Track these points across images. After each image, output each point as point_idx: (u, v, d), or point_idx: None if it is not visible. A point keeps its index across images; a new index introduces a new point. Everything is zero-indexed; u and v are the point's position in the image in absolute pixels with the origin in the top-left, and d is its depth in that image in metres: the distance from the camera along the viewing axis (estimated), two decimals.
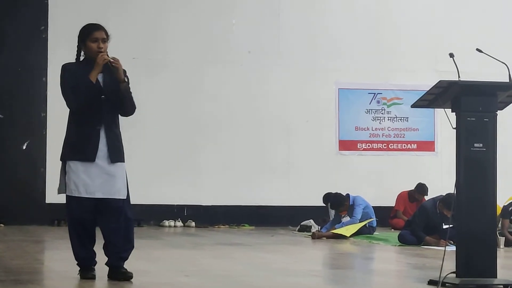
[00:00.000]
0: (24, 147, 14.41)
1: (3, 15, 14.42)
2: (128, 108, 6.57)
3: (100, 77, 6.48)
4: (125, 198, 6.49)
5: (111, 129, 6.50)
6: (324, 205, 13.98)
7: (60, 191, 6.58)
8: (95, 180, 6.39)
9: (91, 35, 6.48)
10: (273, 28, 15.38)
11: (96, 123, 6.44)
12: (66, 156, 6.50)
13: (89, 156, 6.39)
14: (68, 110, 6.63)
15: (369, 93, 15.76)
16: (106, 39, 6.51)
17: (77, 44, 6.57)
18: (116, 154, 6.47)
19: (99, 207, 6.44)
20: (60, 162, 6.59)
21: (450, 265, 6.54)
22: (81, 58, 6.59)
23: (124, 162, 6.54)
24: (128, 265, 6.57)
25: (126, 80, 6.48)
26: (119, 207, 6.44)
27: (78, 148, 6.42)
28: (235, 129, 15.15)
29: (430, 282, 6.62)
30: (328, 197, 13.66)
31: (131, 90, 6.57)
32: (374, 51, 15.69)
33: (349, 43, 15.60)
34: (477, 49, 7.07)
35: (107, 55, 6.45)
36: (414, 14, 15.87)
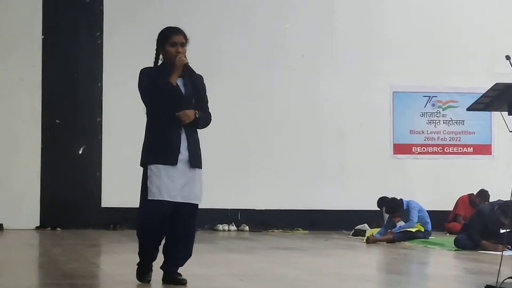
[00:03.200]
0: (80, 152, 14.56)
1: (59, 21, 14.60)
2: (205, 127, 6.62)
3: (180, 82, 6.48)
4: (200, 203, 6.49)
5: (191, 133, 6.48)
6: (378, 209, 13.89)
7: (150, 196, 6.34)
8: (176, 183, 6.35)
9: (170, 39, 6.49)
10: (326, 31, 15.34)
11: (177, 127, 6.41)
12: (148, 160, 6.42)
13: (171, 159, 6.35)
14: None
15: (424, 96, 15.63)
16: (185, 43, 6.52)
17: (155, 48, 6.56)
18: (196, 159, 6.45)
19: (174, 212, 6.41)
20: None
21: (507, 270, 6.45)
22: (159, 62, 6.55)
23: (201, 168, 6.52)
24: (183, 270, 6.59)
25: (197, 115, 6.43)
26: (191, 213, 6.44)
27: (160, 152, 6.36)
28: (289, 133, 15.13)
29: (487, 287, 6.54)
30: (383, 201, 13.56)
31: (207, 100, 6.58)
32: (429, 53, 15.56)
33: (404, 46, 15.49)
34: (506, 56, 6.78)
35: (186, 58, 6.42)
36: (470, 15, 15.70)
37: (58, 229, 14.13)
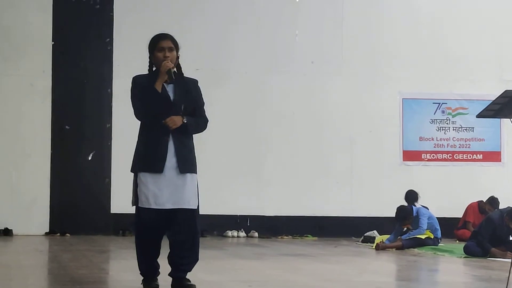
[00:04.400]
0: (89, 158, 14.59)
1: (69, 27, 14.65)
2: (198, 131, 6.60)
3: (170, 87, 6.50)
4: (195, 208, 6.48)
5: (180, 139, 6.48)
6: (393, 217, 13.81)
7: (133, 203, 6.56)
8: (164, 191, 6.38)
9: (157, 45, 6.52)
10: (336, 38, 15.34)
11: (164, 134, 6.43)
12: (136, 168, 6.49)
13: (156, 167, 6.39)
14: (133, 121, 6.67)
15: (433, 103, 15.62)
16: (173, 47, 6.53)
17: (148, 55, 6.61)
18: (185, 165, 6.45)
19: (170, 218, 6.44)
20: (129, 174, 6.59)
21: None
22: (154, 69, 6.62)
23: (195, 173, 6.52)
24: (191, 275, 6.59)
25: (185, 121, 6.44)
26: (188, 218, 6.43)
27: (147, 159, 6.42)
28: (298, 139, 15.13)
29: None
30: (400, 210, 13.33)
31: (204, 102, 6.57)
32: (438, 60, 15.55)
33: (413, 53, 15.49)
34: None
35: (171, 63, 6.45)
36: (479, 22, 15.69)
37: (68, 234, 14.16)
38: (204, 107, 6.67)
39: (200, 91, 6.65)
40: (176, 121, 6.40)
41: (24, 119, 14.46)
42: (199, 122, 6.58)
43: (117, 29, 14.72)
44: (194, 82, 6.66)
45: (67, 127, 14.60)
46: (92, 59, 14.71)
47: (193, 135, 6.63)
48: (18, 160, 14.37)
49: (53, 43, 14.59)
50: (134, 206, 6.49)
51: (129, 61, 14.16)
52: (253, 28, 15.17)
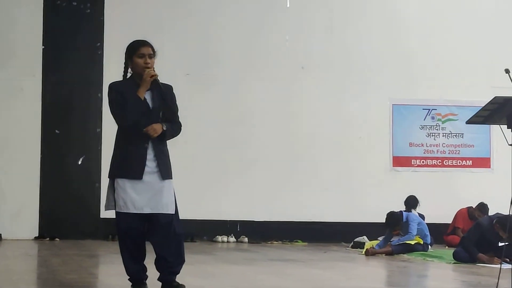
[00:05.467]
0: (79, 162, 14.57)
1: (60, 31, 14.62)
2: (174, 137, 6.63)
3: (147, 95, 6.51)
4: (173, 213, 6.51)
5: (158, 146, 6.52)
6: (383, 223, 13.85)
7: (107, 207, 6.62)
8: (142, 196, 6.42)
9: (138, 51, 6.53)
10: (326, 44, 15.36)
11: (144, 140, 6.47)
12: (114, 173, 6.53)
13: (136, 174, 6.43)
14: (118, 127, 6.67)
15: (423, 109, 15.65)
16: (152, 54, 6.55)
17: (124, 61, 6.62)
18: (164, 171, 6.49)
19: (149, 223, 6.46)
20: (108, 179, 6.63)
21: (506, 284, 6.44)
22: (128, 75, 6.62)
23: (171, 178, 6.57)
24: (181, 280, 6.59)
25: (164, 128, 6.47)
26: (168, 222, 6.46)
27: (126, 165, 6.45)
28: (287, 144, 15.14)
29: None
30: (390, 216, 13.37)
31: (177, 108, 6.59)
32: (428, 66, 15.59)
33: (403, 59, 15.53)
34: (506, 70, 6.83)
35: (154, 71, 6.48)
36: (469, 29, 15.73)
37: (57, 239, 14.12)
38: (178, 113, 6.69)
39: (175, 97, 6.65)
40: (156, 129, 6.45)
41: (14, 123, 14.42)
42: (175, 128, 6.63)
43: (108, 33, 14.71)
44: (169, 88, 6.67)
45: (57, 131, 14.58)
46: (83, 63, 14.69)
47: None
48: (8, 164, 14.33)
49: (43, 47, 14.57)
50: (116, 212, 6.52)
51: (119, 65, 13.98)
52: (244, 34, 15.18)
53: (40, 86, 14.50)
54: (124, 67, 6.63)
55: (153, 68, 6.52)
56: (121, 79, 6.65)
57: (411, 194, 13.51)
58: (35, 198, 14.34)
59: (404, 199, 13.74)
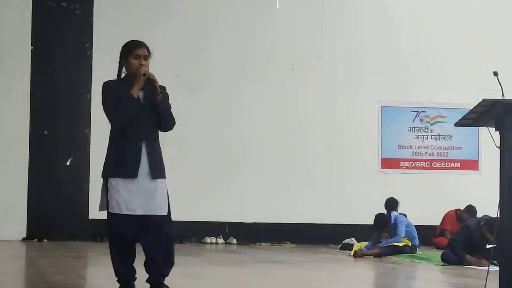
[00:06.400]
0: (68, 163, 14.54)
1: (49, 32, 14.59)
2: (167, 122, 6.57)
3: (140, 94, 6.50)
4: (165, 214, 6.50)
5: (152, 145, 6.50)
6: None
7: (101, 208, 6.60)
8: (135, 197, 6.39)
9: (133, 52, 6.52)
10: (316, 45, 15.38)
11: (137, 139, 6.45)
12: (108, 173, 6.50)
13: (130, 173, 6.40)
14: (111, 127, 6.66)
15: (412, 111, 15.68)
16: (148, 56, 6.54)
17: (119, 60, 6.61)
18: (157, 171, 6.47)
19: (140, 224, 6.45)
20: (102, 179, 6.61)
21: (493, 285, 6.46)
22: (123, 75, 6.62)
23: (164, 178, 6.54)
24: (169, 282, 6.58)
25: (162, 93, 6.48)
26: (160, 223, 6.45)
27: (120, 165, 6.42)
28: (277, 146, 15.14)
29: None
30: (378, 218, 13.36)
31: (170, 106, 6.58)
32: (417, 68, 15.62)
33: (392, 61, 15.56)
34: (494, 73, 6.88)
35: (149, 71, 6.48)
36: (458, 31, 15.77)
37: (45, 240, 14.08)
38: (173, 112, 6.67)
39: (167, 96, 6.63)
40: (156, 80, 6.40)
41: (2, 124, 14.37)
42: (170, 111, 6.54)
43: (97, 34, 14.68)
44: (163, 88, 6.65)
45: (45, 132, 14.54)
46: (71, 64, 14.66)
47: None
48: None
49: (32, 47, 14.53)
50: (108, 213, 6.50)
51: (108, 66, 13.98)
52: (233, 35, 15.18)
53: (29, 87, 14.46)
54: (119, 67, 6.61)
55: (148, 69, 6.49)
56: (111, 79, 6.63)
57: (391, 196, 13.50)
58: (23, 199, 14.29)
59: (384, 202, 13.67)
